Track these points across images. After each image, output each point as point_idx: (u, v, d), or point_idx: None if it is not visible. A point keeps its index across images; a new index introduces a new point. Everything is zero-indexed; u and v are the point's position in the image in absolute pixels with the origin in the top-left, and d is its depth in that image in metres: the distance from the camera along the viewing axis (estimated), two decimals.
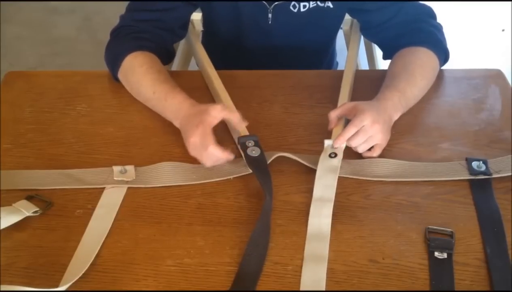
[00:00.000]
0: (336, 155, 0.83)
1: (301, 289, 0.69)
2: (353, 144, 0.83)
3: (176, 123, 0.89)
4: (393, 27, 1.01)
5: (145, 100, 0.94)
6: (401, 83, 0.91)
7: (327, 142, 0.85)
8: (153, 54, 0.97)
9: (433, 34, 0.98)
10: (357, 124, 0.82)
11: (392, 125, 0.88)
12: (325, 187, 0.81)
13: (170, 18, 1.01)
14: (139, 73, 0.94)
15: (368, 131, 0.82)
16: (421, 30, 0.98)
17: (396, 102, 0.89)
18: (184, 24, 1.06)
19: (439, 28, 1.01)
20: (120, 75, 0.97)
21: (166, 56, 1.03)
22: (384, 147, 0.86)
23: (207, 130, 0.81)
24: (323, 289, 0.69)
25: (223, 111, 0.83)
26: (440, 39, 0.99)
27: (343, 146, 0.84)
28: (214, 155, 0.81)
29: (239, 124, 0.86)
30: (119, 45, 0.98)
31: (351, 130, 0.82)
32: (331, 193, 0.80)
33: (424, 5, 1.02)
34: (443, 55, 0.99)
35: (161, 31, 1.00)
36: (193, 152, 0.83)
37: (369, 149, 0.85)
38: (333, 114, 0.87)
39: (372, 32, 1.07)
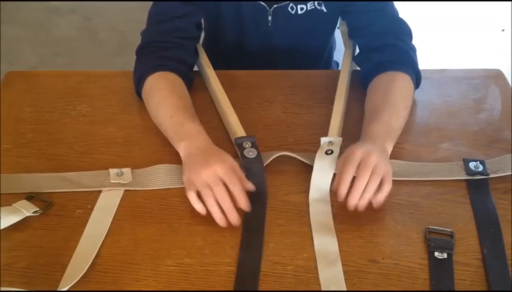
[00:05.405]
0: (332, 151, 0.83)
1: (323, 288, 0.69)
2: (361, 184, 0.74)
3: (183, 150, 0.83)
4: (371, 35, 1.00)
5: (160, 123, 0.91)
6: (385, 115, 0.87)
7: (323, 139, 0.85)
8: (175, 75, 0.95)
9: (409, 55, 0.97)
10: (352, 160, 0.75)
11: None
12: (321, 184, 0.81)
13: (188, 24, 1.01)
14: (160, 96, 0.92)
15: (368, 164, 0.75)
16: (398, 48, 0.97)
17: (384, 135, 0.84)
18: (199, 28, 1.06)
19: (414, 50, 0.99)
20: (143, 96, 0.96)
21: (189, 67, 1.01)
22: (391, 177, 0.77)
23: (232, 171, 0.77)
24: (344, 287, 0.69)
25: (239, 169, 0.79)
26: (415, 61, 0.97)
27: (339, 142, 0.84)
28: (227, 197, 0.75)
29: (248, 188, 0.79)
30: (142, 65, 0.97)
31: (349, 169, 0.75)
32: (328, 190, 0.80)
33: (404, 23, 1.01)
34: (415, 79, 0.96)
35: (182, 40, 0.99)
36: (203, 181, 0.76)
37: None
38: (343, 190, 0.76)
39: (354, 35, 1.07)
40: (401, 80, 0.93)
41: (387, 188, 0.76)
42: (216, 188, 0.75)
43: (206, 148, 0.82)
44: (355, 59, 1.05)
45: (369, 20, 1.01)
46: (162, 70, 0.94)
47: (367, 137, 0.83)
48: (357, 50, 1.07)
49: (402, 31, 1.00)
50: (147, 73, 0.94)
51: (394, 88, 0.92)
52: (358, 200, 0.75)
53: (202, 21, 1.11)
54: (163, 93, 0.92)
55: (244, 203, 0.76)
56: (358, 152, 0.77)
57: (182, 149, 0.83)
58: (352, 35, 1.08)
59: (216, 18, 1.11)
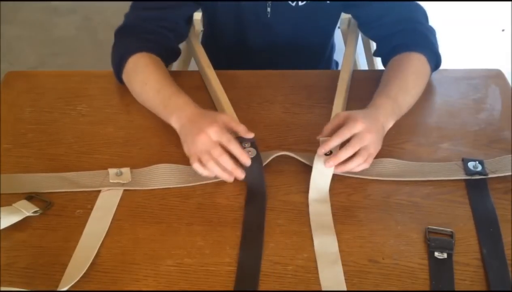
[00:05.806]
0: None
1: (323, 288, 0.69)
2: (347, 153, 0.79)
3: (176, 123, 0.86)
4: (387, 25, 1.00)
5: (147, 99, 0.92)
6: (393, 90, 0.89)
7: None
8: (157, 57, 0.96)
9: (427, 37, 0.97)
10: (350, 127, 0.79)
11: (390, 129, 0.87)
12: (321, 184, 0.81)
13: (174, 16, 1.01)
14: (145, 72, 0.92)
15: (362, 140, 0.79)
16: (415, 31, 0.97)
17: (389, 110, 0.86)
18: (187, 22, 1.06)
19: (432, 31, 0.99)
20: (124, 76, 0.96)
21: (170, 55, 1.02)
22: (372, 159, 0.82)
23: (224, 128, 0.80)
24: (345, 287, 0.69)
25: (232, 120, 0.83)
26: (433, 43, 0.97)
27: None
28: (227, 157, 0.79)
29: (246, 135, 0.84)
30: (124, 46, 0.96)
31: (344, 133, 0.79)
32: (327, 190, 0.81)
33: (419, 6, 1.01)
34: (435, 60, 0.97)
35: (165, 30, 0.99)
36: (201, 148, 0.79)
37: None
38: (327, 129, 0.83)
39: (367, 28, 1.06)
40: (416, 60, 0.94)
41: (363, 167, 0.81)
42: (213, 151, 0.79)
43: (196, 114, 0.84)
44: (375, 53, 1.05)
45: (382, 11, 1.00)
46: (145, 51, 0.95)
47: (372, 110, 0.85)
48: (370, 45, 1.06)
49: (418, 15, 1.00)
50: (130, 53, 0.94)
51: (407, 66, 0.93)
52: (334, 164, 0.79)
53: (200, 18, 1.11)
54: (150, 69, 0.92)
55: (244, 159, 0.80)
56: (360, 124, 0.79)
57: (174, 122, 0.86)
58: (364, 28, 1.07)
59: (215, 12, 1.11)
